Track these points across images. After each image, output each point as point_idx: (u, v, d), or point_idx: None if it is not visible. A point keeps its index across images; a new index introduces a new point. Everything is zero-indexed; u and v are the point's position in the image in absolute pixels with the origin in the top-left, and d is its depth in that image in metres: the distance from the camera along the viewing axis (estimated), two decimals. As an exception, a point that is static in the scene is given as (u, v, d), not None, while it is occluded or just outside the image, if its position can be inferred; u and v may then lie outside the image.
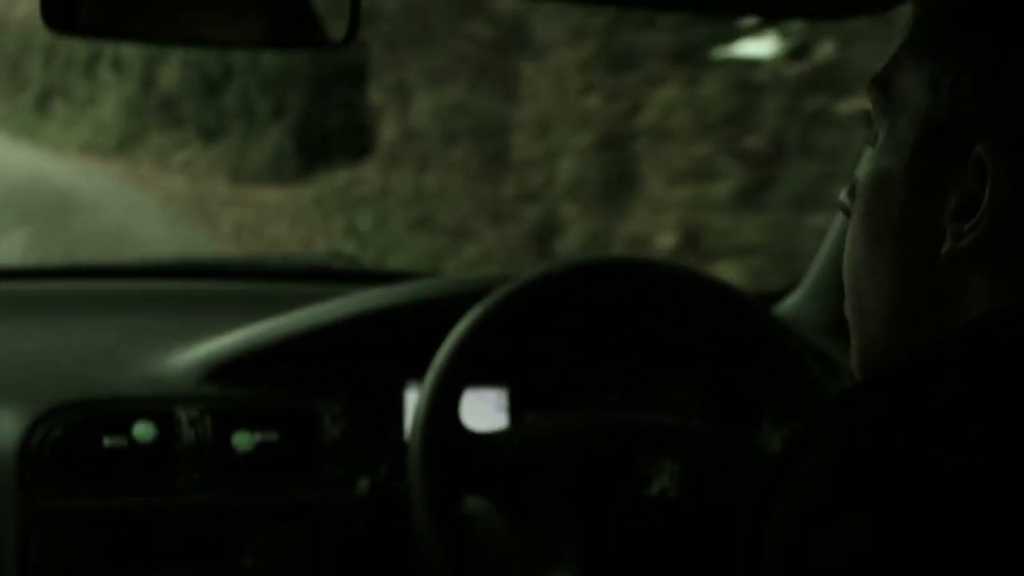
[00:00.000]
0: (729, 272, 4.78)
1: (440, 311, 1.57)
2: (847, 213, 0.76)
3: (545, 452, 1.44)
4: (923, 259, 0.68)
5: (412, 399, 1.64)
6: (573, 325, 1.74)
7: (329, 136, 8.70)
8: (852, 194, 0.76)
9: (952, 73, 0.67)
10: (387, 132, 8.19)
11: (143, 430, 1.50)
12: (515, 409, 1.70)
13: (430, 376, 1.43)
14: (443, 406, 1.42)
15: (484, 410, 1.69)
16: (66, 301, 1.80)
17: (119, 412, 1.52)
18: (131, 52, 10.64)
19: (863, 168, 0.75)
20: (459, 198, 7.24)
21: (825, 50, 5.27)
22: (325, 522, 1.54)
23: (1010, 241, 0.64)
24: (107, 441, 1.50)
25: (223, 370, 1.60)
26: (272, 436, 1.55)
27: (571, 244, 6.09)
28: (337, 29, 1.22)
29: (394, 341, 1.66)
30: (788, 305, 2.00)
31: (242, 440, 1.53)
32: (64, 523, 1.49)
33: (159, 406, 1.53)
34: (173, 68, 10.15)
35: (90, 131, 11.12)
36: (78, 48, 11.06)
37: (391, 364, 1.65)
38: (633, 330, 1.76)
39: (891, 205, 0.70)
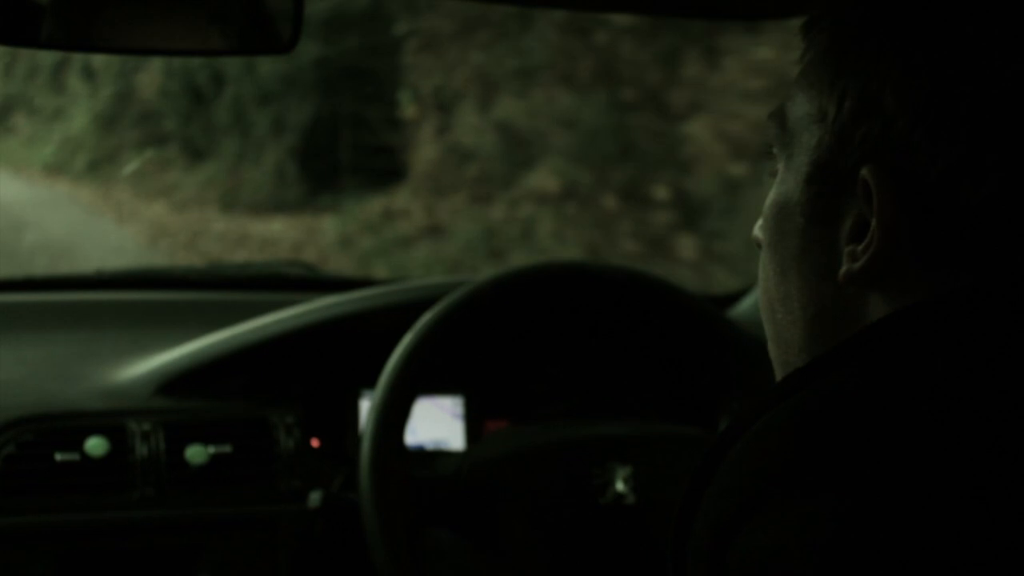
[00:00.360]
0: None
1: (393, 319, 1.57)
2: (759, 246, 0.77)
3: (495, 475, 1.44)
4: (826, 284, 0.70)
5: (366, 408, 1.64)
6: (527, 331, 1.74)
7: (345, 156, 7.14)
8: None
9: (836, 101, 0.69)
10: (426, 151, 6.49)
11: (95, 444, 1.49)
12: (471, 416, 1.70)
13: (380, 385, 1.43)
14: (393, 415, 1.42)
15: (440, 418, 1.69)
16: (18, 313, 1.79)
17: (71, 427, 1.51)
18: (105, 58, 8.57)
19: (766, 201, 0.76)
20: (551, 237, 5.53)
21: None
22: (280, 534, 1.54)
23: (901, 259, 0.66)
24: (59, 456, 1.49)
25: (176, 382, 1.59)
26: (226, 448, 1.54)
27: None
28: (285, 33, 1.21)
29: (348, 350, 1.65)
30: (744, 307, 2.01)
31: (196, 453, 1.52)
32: (17, 539, 1.48)
33: (111, 420, 1.52)
34: (153, 76, 8.78)
35: (57, 149, 9.62)
36: (43, 54, 9.30)
37: (345, 373, 1.65)
38: (586, 334, 1.77)
39: (792, 234, 0.72)
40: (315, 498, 1.47)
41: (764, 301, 0.76)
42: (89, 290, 1.91)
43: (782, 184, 0.73)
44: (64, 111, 9.54)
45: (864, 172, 0.66)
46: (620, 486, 1.45)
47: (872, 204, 0.66)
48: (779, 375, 0.76)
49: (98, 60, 8.61)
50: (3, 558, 1.47)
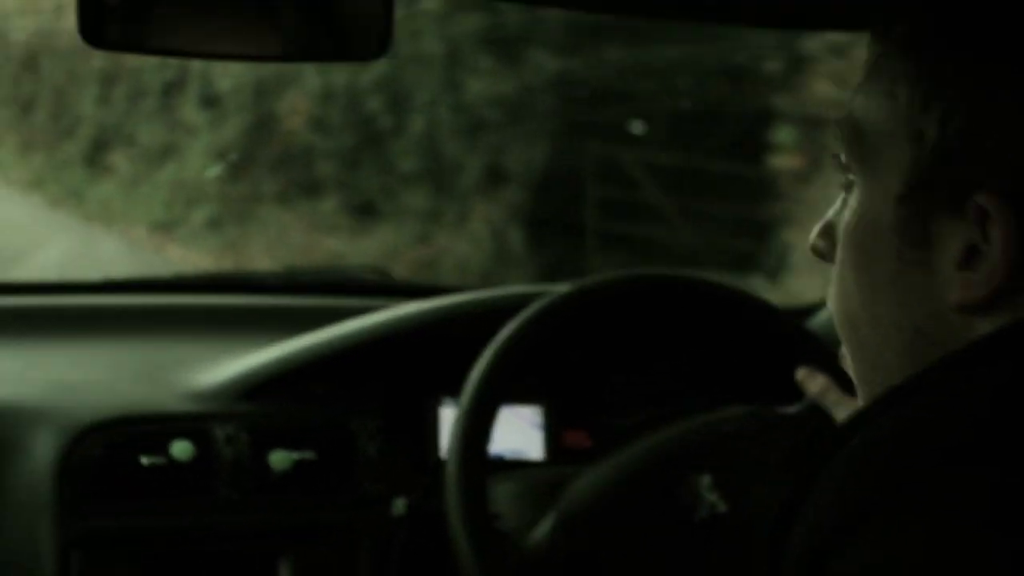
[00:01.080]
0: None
1: (475, 326, 1.57)
2: (822, 257, 0.75)
3: (586, 533, 1.42)
4: (925, 307, 0.68)
5: (448, 416, 1.64)
6: (608, 340, 1.73)
7: (593, 219, 4.61)
8: (825, 236, 0.75)
9: (937, 121, 0.66)
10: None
11: (181, 448, 1.50)
12: (551, 426, 1.70)
13: (465, 394, 1.43)
14: (479, 425, 1.42)
15: (519, 427, 1.69)
16: (101, 317, 1.81)
17: (157, 430, 1.52)
18: (233, 78, 6.34)
19: (843, 215, 0.73)
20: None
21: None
22: (362, 541, 1.54)
23: (1021, 288, 0.64)
24: (145, 459, 1.50)
25: (259, 387, 1.60)
26: (309, 454, 1.55)
27: None
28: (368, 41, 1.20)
29: (429, 357, 1.65)
30: (819, 320, 2.00)
31: (279, 458, 1.53)
32: (103, 542, 1.49)
33: (197, 424, 1.53)
34: (300, 99, 6.11)
35: (166, 198, 6.86)
36: (149, 73, 6.90)
37: (426, 381, 1.65)
38: (667, 344, 1.76)
39: (884, 256, 0.69)
40: (400, 506, 1.47)
41: (843, 318, 0.73)
42: (170, 293, 1.93)
43: (866, 201, 0.70)
44: (176, 148, 6.91)
45: (979, 197, 0.64)
46: (708, 497, 1.43)
47: (987, 230, 0.64)
48: (863, 391, 0.75)
49: (224, 79, 6.53)
50: (88, 561, 1.49)
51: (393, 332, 1.65)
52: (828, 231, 0.75)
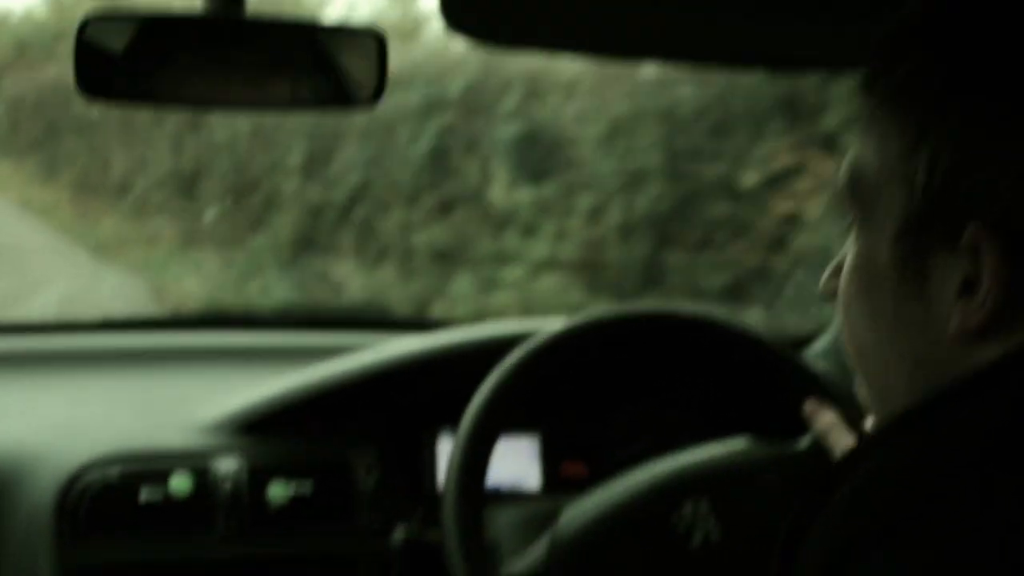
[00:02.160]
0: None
1: (472, 360, 1.58)
2: (833, 296, 0.78)
3: (580, 559, 1.43)
4: (925, 337, 0.70)
5: (445, 448, 1.65)
6: (604, 372, 1.74)
7: None
8: (836, 277, 0.78)
9: (926, 161, 0.68)
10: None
11: (180, 483, 1.51)
12: (548, 457, 1.71)
13: (463, 425, 1.44)
14: (476, 456, 1.43)
15: (517, 459, 1.70)
16: (101, 354, 1.82)
17: (156, 465, 1.53)
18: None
19: (845, 254, 0.76)
20: None
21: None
22: (360, 572, 1.55)
23: (1015, 311, 0.66)
24: (144, 494, 1.51)
25: (258, 422, 1.61)
26: (306, 487, 1.55)
27: None
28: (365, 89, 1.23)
29: (427, 390, 1.67)
30: (815, 351, 2.01)
31: (277, 491, 1.54)
32: (101, 575, 1.50)
33: (196, 459, 1.54)
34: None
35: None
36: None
37: (424, 413, 1.66)
38: (663, 376, 1.77)
39: (883, 292, 0.72)
40: (397, 537, 1.47)
41: (853, 351, 0.76)
42: (167, 330, 1.94)
43: (866, 242, 0.73)
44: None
45: (971, 231, 0.66)
46: (703, 525, 1.44)
47: (981, 261, 0.66)
48: (875, 417, 0.77)
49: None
50: None
51: (391, 367, 1.67)
52: (838, 272, 0.78)
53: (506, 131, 5.51)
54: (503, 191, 5.43)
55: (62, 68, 7.23)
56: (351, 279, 5.52)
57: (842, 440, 1.44)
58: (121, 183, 7.39)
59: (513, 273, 5.13)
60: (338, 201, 6.04)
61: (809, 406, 1.47)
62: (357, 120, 5.95)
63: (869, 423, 1.07)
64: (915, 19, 0.70)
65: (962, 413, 0.65)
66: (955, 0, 0.68)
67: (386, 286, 5.37)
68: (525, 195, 5.34)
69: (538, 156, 5.39)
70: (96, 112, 7.19)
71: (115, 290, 5.99)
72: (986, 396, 0.65)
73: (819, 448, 1.46)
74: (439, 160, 5.72)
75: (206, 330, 1.94)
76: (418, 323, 1.94)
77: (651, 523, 1.43)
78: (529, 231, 5.24)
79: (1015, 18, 0.66)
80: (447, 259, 5.41)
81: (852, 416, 1.57)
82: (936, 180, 0.67)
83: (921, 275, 0.69)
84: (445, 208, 5.63)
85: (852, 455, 0.67)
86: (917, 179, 0.68)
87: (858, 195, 0.73)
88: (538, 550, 1.43)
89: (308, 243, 6.04)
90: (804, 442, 1.53)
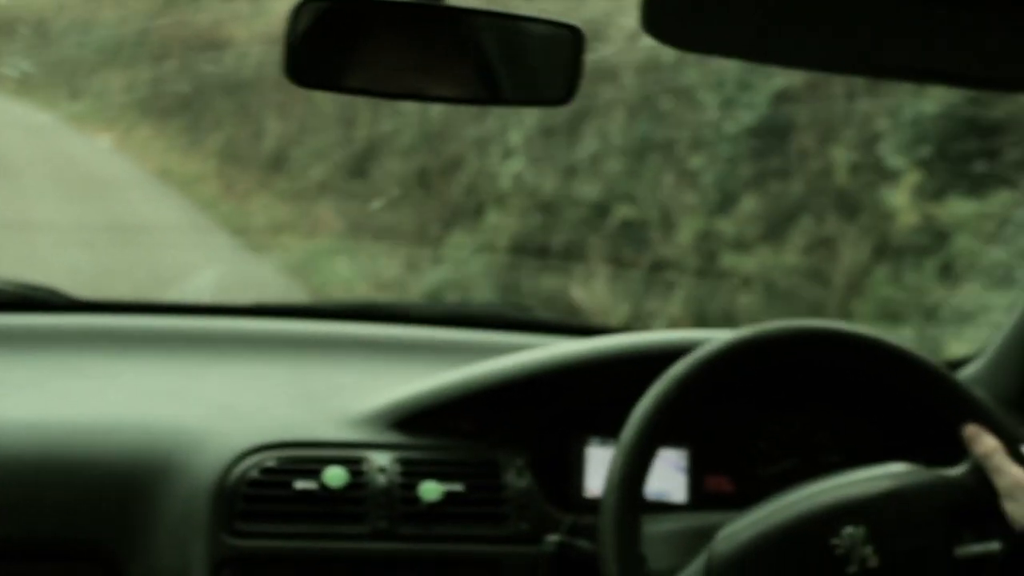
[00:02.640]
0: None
1: (628, 368, 1.57)
2: None
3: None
4: None
5: (593, 456, 1.65)
6: (758, 388, 1.72)
7: None
8: None
9: None
10: None
11: (334, 475, 1.53)
12: (694, 471, 1.70)
13: (626, 433, 1.43)
14: (637, 465, 1.42)
15: (664, 470, 1.69)
16: (256, 341, 1.85)
17: (312, 455, 1.55)
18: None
19: None
20: None
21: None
22: (509, 575, 1.55)
23: None
24: (299, 484, 1.53)
25: (412, 419, 1.62)
26: (458, 486, 1.56)
27: None
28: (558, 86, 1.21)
29: (579, 397, 1.67)
30: (968, 374, 1.97)
31: (429, 489, 1.55)
32: (254, 563, 1.52)
33: (351, 451, 1.56)
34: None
35: None
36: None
37: (574, 420, 1.66)
38: (817, 395, 1.75)
39: None
40: (551, 542, 1.48)
41: None
42: (319, 319, 1.97)
43: None
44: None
45: None
46: (861, 550, 1.42)
47: None
48: None
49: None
50: None
51: (545, 370, 1.67)
52: None
53: (917, 108, 3.57)
54: (909, 201, 3.64)
55: (211, 15, 6.44)
56: (597, 303, 4.10)
57: (1005, 467, 1.41)
58: (276, 155, 6.14)
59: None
60: (586, 197, 4.37)
61: (970, 430, 1.44)
62: (627, 78, 4.22)
63: None
64: None
65: None
66: None
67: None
68: (963, 208, 3.63)
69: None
70: (249, 68, 6.20)
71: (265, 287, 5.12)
72: None
73: (979, 474, 1.44)
74: (771, 143, 3.84)
75: (358, 322, 1.96)
76: (572, 327, 1.94)
77: (809, 547, 1.41)
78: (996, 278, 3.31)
79: None
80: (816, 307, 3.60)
81: (1013, 443, 1.54)
82: None
83: None
84: (786, 218, 3.73)
85: None
86: None
87: None
88: (695, 567, 1.42)
89: (533, 248, 4.56)
90: (963, 468, 1.50)
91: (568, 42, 1.18)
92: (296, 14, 1.12)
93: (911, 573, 1.42)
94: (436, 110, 5.13)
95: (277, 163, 6.14)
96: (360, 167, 5.64)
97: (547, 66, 1.20)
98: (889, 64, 1.23)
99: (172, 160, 6.92)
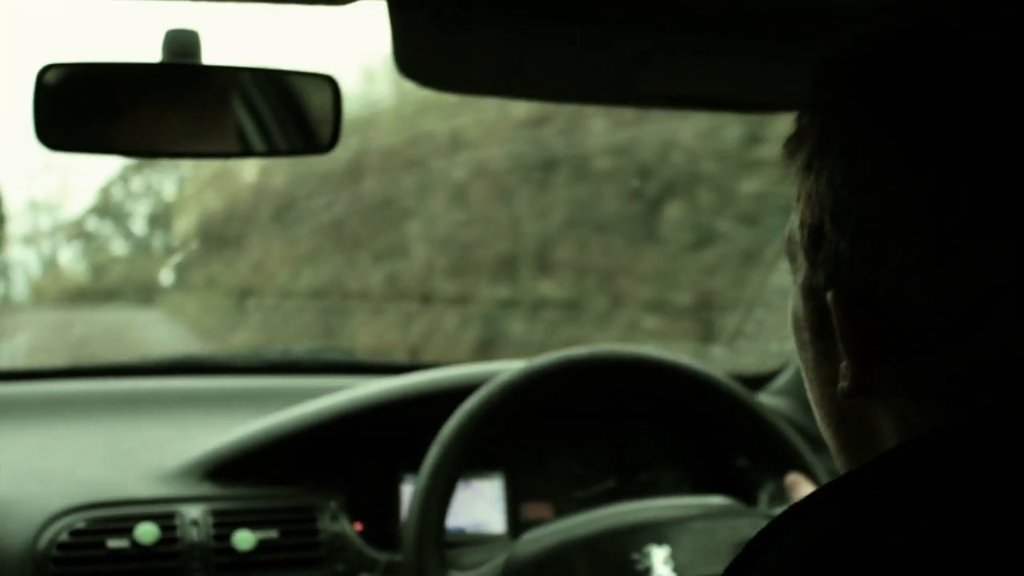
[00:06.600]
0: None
1: (433, 404, 1.60)
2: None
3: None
4: (836, 394, 0.72)
5: (409, 493, 1.67)
6: (563, 413, 1.77)
7: None
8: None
9: (802, 228, 0.71)
10: None
11: (145, 531, 1.53)
12: (511, 498, 1.73)
13: (423, 472, 1.46)
14: (436, 497, 1.45)
15: (480, 501, 1.72)
16: (66, 402, 1.84)
17: (122, 514, 1.55)
18: None
19: None
20: None
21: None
22: None
23: (881, 375, 0.67)
24: (111, 543, 1.53)
25: (223, 469, 1.63)
26: (272, 533, 1.57)
27: None
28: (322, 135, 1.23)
29: (389, 435, 1.69)
30: (779, 385, 2.04)
31: (243, 539, 1.56)
32: None
33: (161, 507, 1.56)
34: None
35: None
36: None
37: (386, 458, 1.68)
38: (623, 418, 1.79)
39: (805, 346, 0.74)
40: None
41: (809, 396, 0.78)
42: (134, 377, 1.96)
43: (793, 298, 0.76)
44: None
45: (828, 297, 0.68)
46: (661, 568, 1.46)
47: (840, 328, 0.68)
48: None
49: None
50: None
51: (353, 412, 1.69)
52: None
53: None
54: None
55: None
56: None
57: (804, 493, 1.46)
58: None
59: None
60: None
61: (791, 479, 1.49)
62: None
63: None
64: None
65: (875, 491, 0.65)
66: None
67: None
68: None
69: None
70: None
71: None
72: (912, 473, 0.64)
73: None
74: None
75: (174, 376, 1.96)
76: (379, 367, 1.96)
77: (609, 558, 1.46)
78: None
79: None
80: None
81: (799, 458, 1.60)
82: (805, 244, 0.70)
83: (826, 333, 0.71)
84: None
85: (773, 527, 0.67)
86: (804, 245, 0.71)
87: (788, 251, 0.76)
88: (492, 566, 1.46)
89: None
90: (773, 505, 1.57)
91: (326, 91, 1.20)
92: (41, 77, 1.12)
93: None
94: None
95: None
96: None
97: (309, 116, 1.23)
98: (643, 93, 1.29)
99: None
